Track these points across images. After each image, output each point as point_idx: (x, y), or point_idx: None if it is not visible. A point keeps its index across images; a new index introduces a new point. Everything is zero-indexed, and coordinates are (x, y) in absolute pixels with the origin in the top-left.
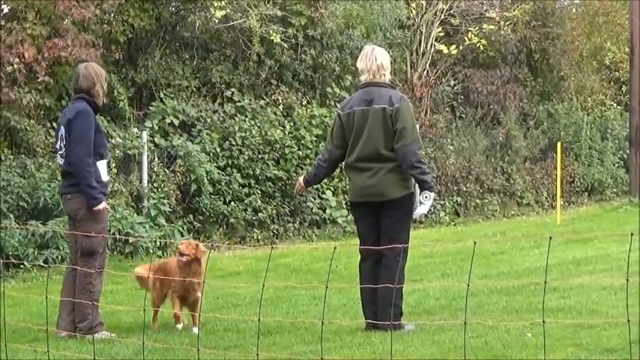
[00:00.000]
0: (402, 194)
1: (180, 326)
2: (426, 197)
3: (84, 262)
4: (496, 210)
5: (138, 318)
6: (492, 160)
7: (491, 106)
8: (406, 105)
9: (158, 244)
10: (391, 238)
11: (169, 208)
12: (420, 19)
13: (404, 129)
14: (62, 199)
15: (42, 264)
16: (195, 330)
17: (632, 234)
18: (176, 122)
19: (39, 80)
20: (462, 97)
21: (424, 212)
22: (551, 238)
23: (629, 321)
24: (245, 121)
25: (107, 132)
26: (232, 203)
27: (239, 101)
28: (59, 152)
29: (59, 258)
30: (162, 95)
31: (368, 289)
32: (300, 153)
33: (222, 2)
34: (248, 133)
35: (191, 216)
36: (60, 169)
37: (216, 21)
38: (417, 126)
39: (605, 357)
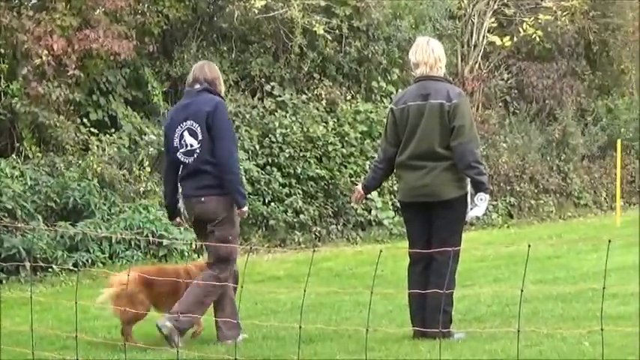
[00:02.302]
0: (456, 195)
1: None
2: (481, 199)
3: (221, 270)
4: (552, 211)
5: None
6: (548, 159)
7: (546, 101)
8: (464, 101)
9: (193, 246)
10: (443, 241)
11: None
12: (472, 8)
13: (462, 126)
14: (188, 202)
15: (71, 267)
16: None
17: None
18: None
19: (69, 74)
20: (515, 91)
21: (479, 215)
22: (610, 241)
23: None
24: (286, 117)
25: (140, 128)
26: (272, 204)
27: (279, 96)
28: (183, 150)
29: (89, 261)
30: None
31: (416, 295)
32: (344, 151)
33: None
34: (289, 130)
35: None
36: (176, 169)
37: (256, 11)
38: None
39: None
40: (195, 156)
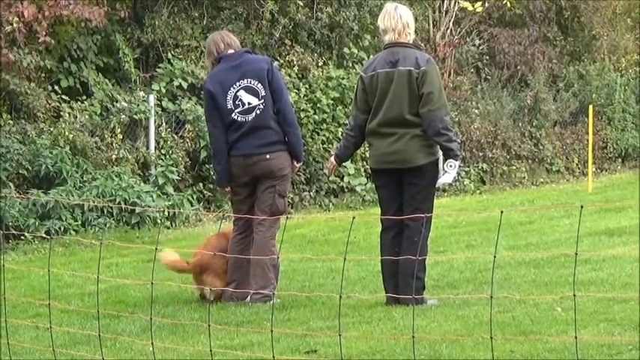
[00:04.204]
0: (426, 161)
1: None
2: (451, 166)
3: (271, 224)
4: (524, 177)
5: (145, 292)
6: (520, 125)
7: (518, 67)
8: (433, 68)
9: (166, 214)
10: (414, 208)
11: (178, 176)
12: None
13: (431, 93)
14: (246, 160)
15: (44, 235)
16: None
17: None
18: (185, 85)
19: (39, 41)
20: (487, 57)
21: (448, 181)
22: (582, 206)
23: None
24: None
25: (112, 95)
26: None
27: None
28: (239, 109)
29: (62, 229)
30: (170, 56)
31: (389, 262)
32: (316, 117)
33: None
34: None
35: (201, 184)
36: (227, 132)
37: None
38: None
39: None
40: (257, 113)
